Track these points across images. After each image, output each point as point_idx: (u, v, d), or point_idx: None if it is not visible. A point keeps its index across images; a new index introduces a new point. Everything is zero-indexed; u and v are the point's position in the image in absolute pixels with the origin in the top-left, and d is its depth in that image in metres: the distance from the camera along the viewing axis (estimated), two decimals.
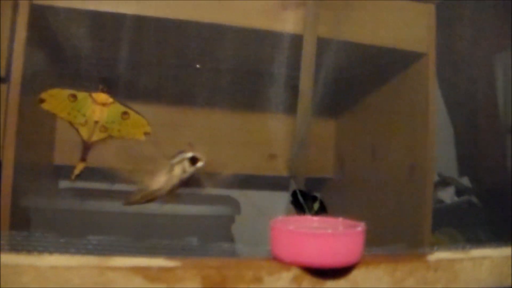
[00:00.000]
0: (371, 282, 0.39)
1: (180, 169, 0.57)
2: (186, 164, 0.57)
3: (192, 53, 0.82)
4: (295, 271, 0.38)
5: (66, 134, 0.95)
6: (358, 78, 0.98)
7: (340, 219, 0.42)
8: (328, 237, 0.37)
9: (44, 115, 0.87)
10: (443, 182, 1.17)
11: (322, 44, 0.77)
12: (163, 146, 0.60)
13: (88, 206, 0.78)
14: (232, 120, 1.05)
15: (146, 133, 0.68)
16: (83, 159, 0.68)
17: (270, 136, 0.95)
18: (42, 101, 0.66)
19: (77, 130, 0.68)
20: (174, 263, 0.36)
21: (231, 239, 0.86)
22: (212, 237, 0.81)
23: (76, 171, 0.68)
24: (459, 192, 1.17)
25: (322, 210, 0.69)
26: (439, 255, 0.42)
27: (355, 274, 0.39)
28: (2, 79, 0.69)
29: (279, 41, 0.76)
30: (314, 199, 0.70)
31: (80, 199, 0.78)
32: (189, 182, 0.59)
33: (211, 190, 0.66)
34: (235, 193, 0.90)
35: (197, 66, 0.84)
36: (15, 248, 0.41)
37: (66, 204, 0.79)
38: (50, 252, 0.36)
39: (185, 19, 0.71)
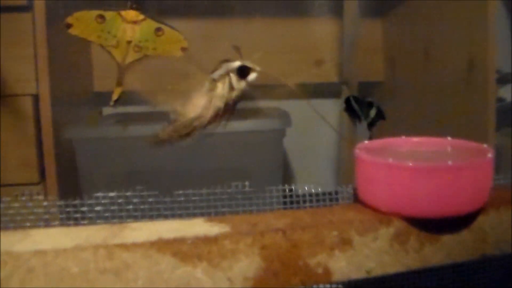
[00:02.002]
0: (502, 229, 0.26)
1: (225, 86, 0.42)
2: (233, 77, 0.41)
3: None
4: (397, 225, 0.25)
5: (102, 59, 0.93)
6: None
7: (448, 139, 0.30)
8: (449, 171, 0.24)
9: (77, 42, 0.84)
10: (503, 79, 1.09)
11: None
12: (201, 61, 0.51)
13: (131, 131, 0.75)
14: (273, 27, 0.98)
15: (183, 49, 0.64)
16: (119, 83, 0.65)
17: (316, 41, 0.88)
18: (69, 26, 0.61)
19: (109, 53, 0.64)
20: (218, 229, 0.24)
21: (283, 154, 0.82)
22: (263, 154, 0.77)
23: (114, 96, 0.65)
24: None
25: (380, 117, 0.63)
26: None
27: (482, 222, 0.26)
28: (24, 7, 0.66)
29: None
30: (370, 105, 0.64)
31: (122, 125, 0.76)
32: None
33: (257, 103, 0.58)
34: (283, 104, 0.84)
35: None
36: None
37: (110, 132, 0.77)
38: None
39: None
